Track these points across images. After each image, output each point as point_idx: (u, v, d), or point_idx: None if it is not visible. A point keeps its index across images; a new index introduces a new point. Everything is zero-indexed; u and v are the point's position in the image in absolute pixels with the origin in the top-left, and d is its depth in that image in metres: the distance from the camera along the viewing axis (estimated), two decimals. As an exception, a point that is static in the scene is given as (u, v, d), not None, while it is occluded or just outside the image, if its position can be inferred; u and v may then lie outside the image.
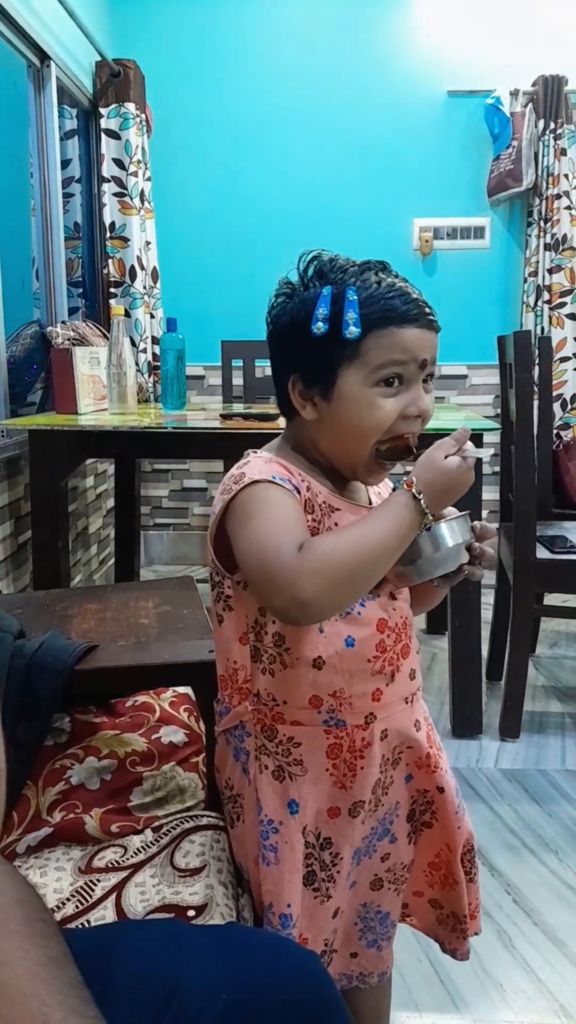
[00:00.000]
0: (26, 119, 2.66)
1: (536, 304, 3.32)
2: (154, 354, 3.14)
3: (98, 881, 0.89)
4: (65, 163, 2.91)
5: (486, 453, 0.83)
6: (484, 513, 2.97)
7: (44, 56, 2.57)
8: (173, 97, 3.31)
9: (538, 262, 3.29)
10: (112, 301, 2.99)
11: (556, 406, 3.29)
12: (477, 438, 1.99)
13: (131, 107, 2.98)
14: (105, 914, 0.84)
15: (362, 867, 0.92)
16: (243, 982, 0.65)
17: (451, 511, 0.83)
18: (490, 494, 3.16)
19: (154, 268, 3.18)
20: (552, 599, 2.57)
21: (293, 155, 3.37)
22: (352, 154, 3.37)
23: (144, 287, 3.07)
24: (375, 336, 0.78)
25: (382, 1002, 1.07)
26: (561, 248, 3.27)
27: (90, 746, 1.07)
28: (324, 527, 0.82)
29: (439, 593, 0.94)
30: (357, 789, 0.86)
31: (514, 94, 3.24)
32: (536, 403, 2.27)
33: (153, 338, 3.14)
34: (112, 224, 3.00)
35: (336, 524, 0.82)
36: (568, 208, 3.26)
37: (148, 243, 3.13)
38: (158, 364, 3.12)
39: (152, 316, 3.15)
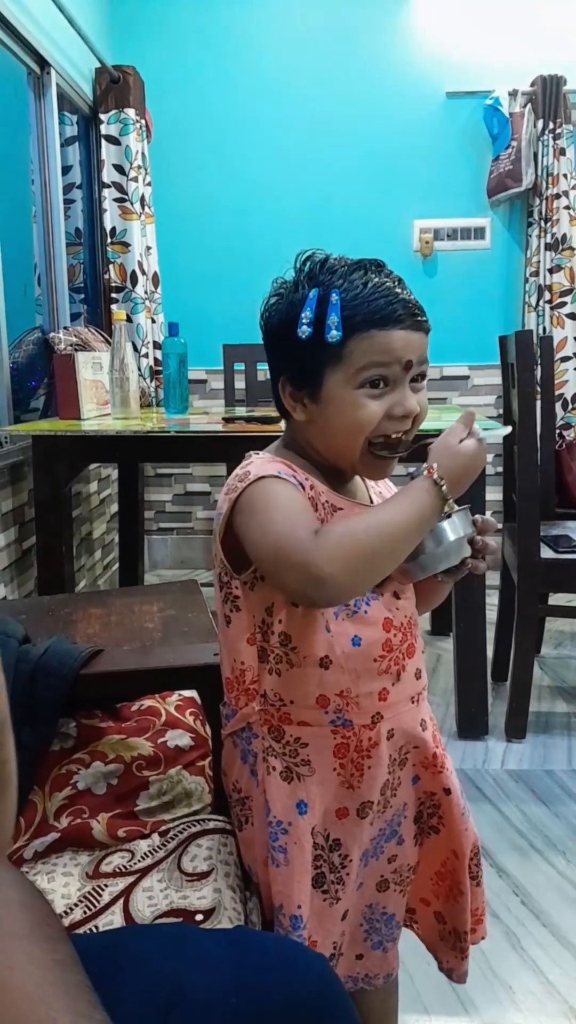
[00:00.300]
0: (27, 126, 2.67)
1: (537, 304, 3.32)
2: (156, 359, 3.15)
3: (106, 886, 0.89)
4: (66, 169, 2.92)
5: (503, 431, 0.83)
6: (488, 513, 2.96)
7: (44, 63, 2.58)
8: (173, 102, 3.32)
9: (539, 262, 3.29)
10: (113, 306, 3.00)
11: (557, 406, 3.28)
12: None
13: (131, 113, 2.99)
14: (113, 919, 0.84)
15: (369, 868, 0.92)
16: (252, 986, 0.65)
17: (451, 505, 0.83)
18: (493, 494, 3.15)
19: (155, 273, 3.18)
20: (556, 599, 2.56)
21: (293, 159, 3.38)
22: (352, 157, 3.38)
23: (145, 292, 3.08)
24: (357, 339, 0.78)
25: (390, 1005, 1.07)
26: (561, 248, 3.27)
27: (96, 751, 1.07)
28: (356, 513, 0.83)
29: (443, 590, 0.94)
30: (365, 789, 0.86)
31: (513, 94, 3.25)
32: (538, 403, 2.26)
33: (155, 343, 3.15)
34: (113, 229, 3.01)
35: (368, 508, 0.84)
36: (567, 208, 3.26)
37: (149, 248, 3.14)
38: (160, 369, 3.13)
39: (153, 321, 3.16)
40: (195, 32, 3.31)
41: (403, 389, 0.81)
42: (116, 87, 2.99)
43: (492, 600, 2.32)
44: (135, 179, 3.00)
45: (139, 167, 3.03)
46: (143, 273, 3.06)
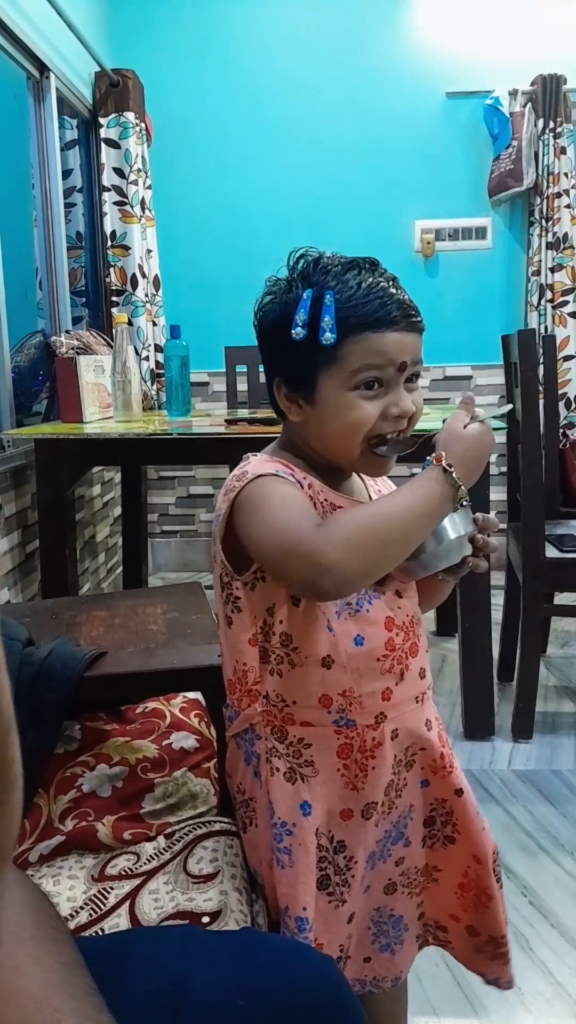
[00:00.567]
0: (27, 130, 2.67)
1: (539, 303, 3.32)
2: (157, 362, 3.15)
3: (111, 889, 0.89)
4: (66, 173, 2.92)
5: (505, 409, 0.81)
6: (492, 513, 2.96)
7: (43, 67, 2.58)
8: (172, 105, 3.33)
9: (540, 261, 3.29)
10: (114, 310, 3.01)
11: (560, 405, 3.28)
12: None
13: (130, 116, 2.99)
14: (119, 922, 0.84)
15: (376, 871, 0.91)
16: (258, 988, 0.64)
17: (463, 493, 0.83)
18: (497, 494, 3.14)
19: (156, 276, 3.19)
20: (562, 598, 2.55)
21: (293, 160, 3.38)
22: (352, 158, 3.38)
23: (146, 295, 3.08)
24: (351, 341, 0.78)
25: (399, 1007, 1.06)
26: (563, 247, 3.27)
27: (101, 753, 1.07)
28: (362, 504, 0.83)
29: (445, 588, 0.94)
30: (369, 790, 0.86)
31: (513, 94, 3.24)
32: (541, 402, 2.26)
33: (156, 346, 3.15)
34: (113, 233, 3.02)
35: (374, 499, 0.84)
36: (568, 207, 3.25)
37: (149, 251, 3.14)
38: (161, 372, 3.13)
39: (154, 324, 3.16)
40: (194, 35, 3.32)
41: (398, 390, 0.80)
42: (115, 91, 2.99)
43: (497, 600, 2.31)
44: (135, 182, 3.01)
45: (139, 170, 3.04)
46: (144, 276, 3.07)
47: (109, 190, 3.00)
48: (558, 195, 3.24)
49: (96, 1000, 0.51)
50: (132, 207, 3.01)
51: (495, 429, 0.83)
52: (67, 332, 2.60)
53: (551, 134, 3.21)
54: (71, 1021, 0.48)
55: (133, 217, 3.01)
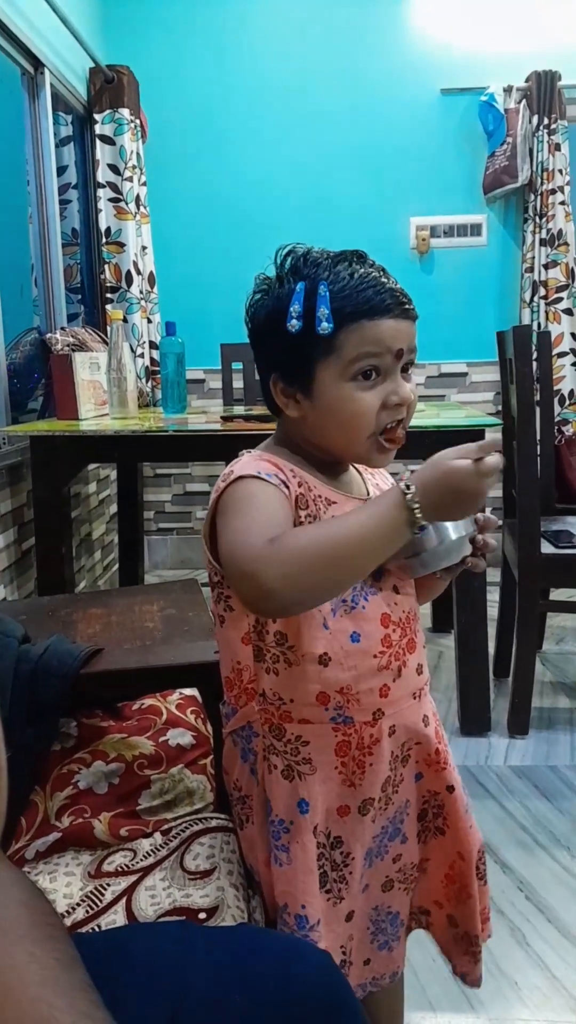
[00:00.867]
0: (21, 127, 2.67)
1: (532, 300, 3.32)
2: (152, 359, 3.14)
3: (108, 885, 0.89)
4: (61, 170, 2.91)
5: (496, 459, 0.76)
6: (488, 510, 2.96)
7: (38, 63, 2.57)
8: (168, 101, 3.32)
9: (534, 258, 3.29)
10: (108, 306, 3.00)
11: (554, 401, 3.28)
12: (479, 435, 1.98)
13: (125, 112, 2.98)
14: (115, 918, 0.84)
15: (374, 870, 0.92)
16: (256, 983, 0.64)
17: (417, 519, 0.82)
18: (493, 491, 3.15)
19: (151, 273, 3.18)
20: (558, 594, 2.55)
21: (288, 157, 3.37)
22: (347, 155, 3.37)
23: (141, 292, 3.07)
24: (348, 330, 0.77)
25: (396, 1002, 1.07)
26: (556, 243, 3.27)
27: (97, 750, 1.07)
28: (321, 520, 0.81)
29: (442, 584, 0.94)
30: (366, 786, 0.86)
31: (507, 91, 3.24)
32: (537, 398, 2.26)
33: (151, 343, 3.14)
34: (108, 229, 3.01)
35: (334, 517, 0.81)
36: (563, 203, 3.25)
37: (144, 248, 3.13)
38: (156, 369, 3.13)
39: (149, 321, 3.15)
40: (189, 31, 3.31)
41: (395, 378, 0.80)
42: (110, 87, 2.98)
43: (493, 596, 2.32)
44: (130, 179, 3.00)
45: (134, 167, 3.03)
46: (138, 273, 3.06)
47: (104, 187, 2.99)
48: (552, 192, 3.23)
49: (93, 996, 0.51)
50: (127, 204, 3.00)
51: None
52: (62, 329, 2.60)
53: (545, 130, 3.21)
54: (67, 1018, 0.48)
55: (128, 214, 3.00)
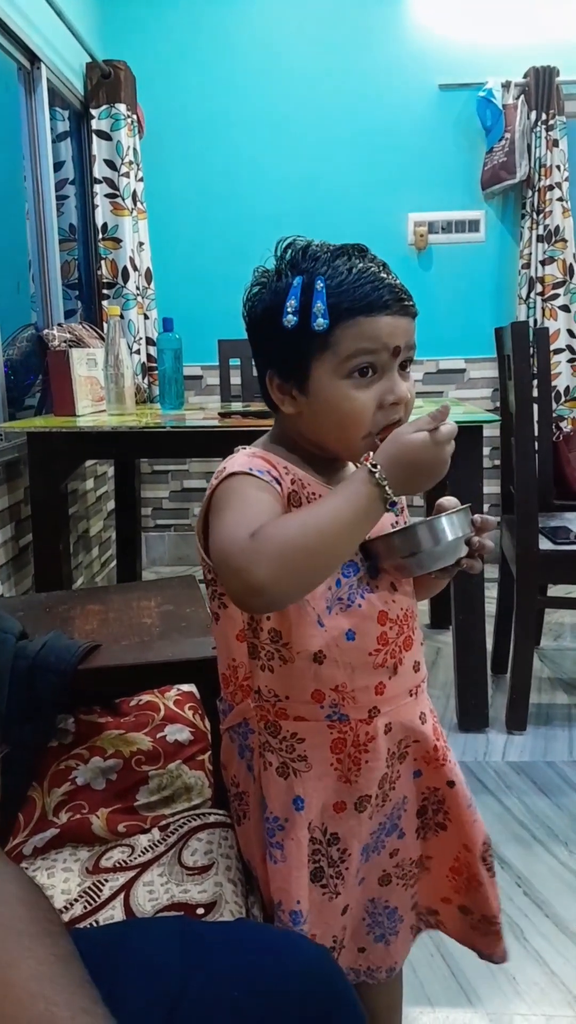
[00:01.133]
0: (18, 122, 2.66)
1: (529, 296, 3.31)
2: (149, 355, 3.14)
3: (106, 881, 0.88)
4: (59, 165, 2.91)
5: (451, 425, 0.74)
6: (486, 507, 2.97)
7: (34, 58, 2.56)
8: (165, 97, 3.31)
9: (531, 254, 3.29)
10: (104, 302, 2.99)
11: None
12: (477, 430, 1.98)
13: (122, 108, 2.97)
14: (114, 914, 0.84)
15: (370, 863, 0.92)
16: (254, 978, 0.64)
17: (453, 503, 0.82)
18: (491, 487, 3.15)
19: (148, 269, 3.17)
20: (555, 591, 2.56)
21: (286, 152, 3.37)
22: (345, 151, 3.37)
23: (137, 288, 3.07)
24: (344, 326, 0.76)
25: (394, 998, 1.07)
26: (554, 240, 3.26)
27: (95, 746, 1.07)
28: (296, 510, 0.80)
29: (440, 583, 0.93)
30: (363, 783, 0.85)
31: (506, 86, 3.24)
32: (534, 395, 2.26)
33: (148, 339, 3.14)
34: (104, 225, 3.00)
35: (308, 504, 0.81)
36: (560, 200, 3.25)
37: (141, 244, 3.12)
38: (153, 365, 3.12)
39: (146, 317, 3.15)
40: (187, 26, 3.29)
41: (392, 375, 0.79)
42: (107, 82, 2.97)
43: (491, 593, 2.32)
44: (127, 174, 2.99)
45: (131, 162, 3.02)
46: (135, 269, 3.05)
47: (100, 182, 2.99)
48: (550, 188, 3.23)
49: (91, 992, 0.51)
50: (123, 199, 2.99)
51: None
52: (59, 325, 2.59)
53: (543, 126, 3.21)
54: (65, 1013, 0.48)
55: (124, 209, 3.00)
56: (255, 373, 0.87)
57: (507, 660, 2.19)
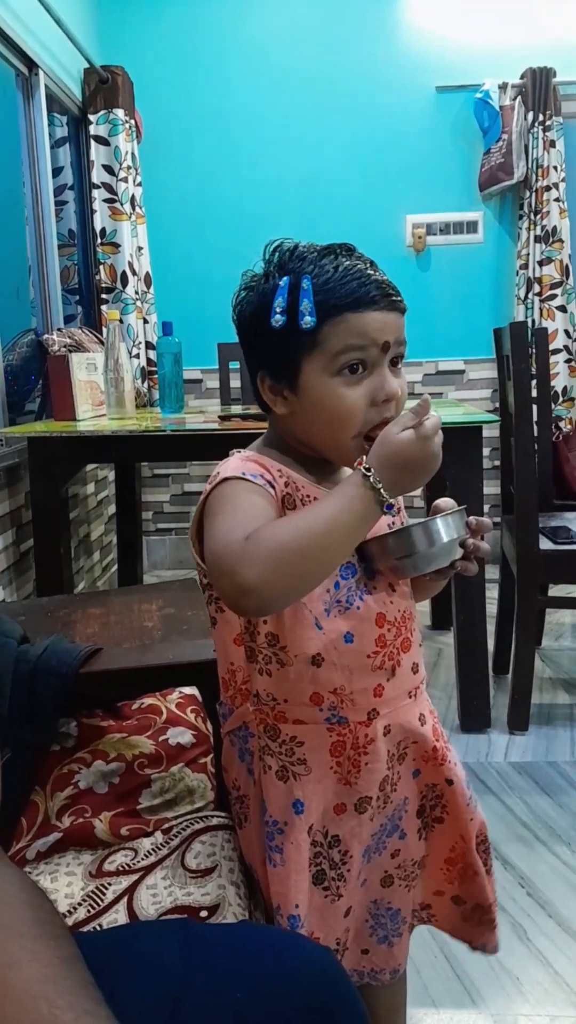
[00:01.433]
0: (16, 128, 2.67)
1: (527, 296, 3.32)
2: (149, 359, 3.14)
3: (109, 885, 0.89)
4: (57, 171, 2.91)
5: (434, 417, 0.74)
6: (486, 508, 2.97)
7: (32, 64, 2.57)
8: (162, 101, 3.32)
9: (528, 255, 3.29)
10: (103, 307, 3.00)
11: (553, 398, 3.28)
12: (477, 431, 1.98)
13: (120, 113, 2.98)
14: (117, 917, 0.84)
15: (372, 864, 0.92)
16: (257, 980, 0.64)
17: (449, 505, 0.82)
18: (491, 488, 3.15)
19: (147, 273, 3.18)
20: (556, 591, 2.56)
21: (284, 155, 3.38)
22: (343, 153, 3.38)
23: (136, 292, 3.07)
24: (331, 323, 0.76)
25: (398, 999, 1.07)
26: (551, 240, 3.27)
27: (97, 750, 1.07)
28: (292, 514, 0.80)
29: (438, 584, 0.93)
30: (362, 785, 0.85)
31: (503, 87, 3.24)
32: (533, 395, 2.26)
33: (147, 343, 3.14)
34: (103, 230, 3.01)
35: (304, 508, 0.81)
36: (557, 200, 3.25)
37: (140, 248, 3.13)
38: (153, 369, 3.12)
39: (146, 321, 3.15)
40: (183, 31, 3.30)
41: (382, 371, 0.78)
42: (105, 87, 2.98)
43: (492, 593, 2.32)
44: (125, 179, 3.00)
45: (129, 167, 3.03)
46: (134, 274, 3.06)
47: (99, 187, 2.99)
48: (547, 188, 3.24)
49: (95, 994, 0.51)
50: (122, 204, 3.00)
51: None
52: (59, 330, 2.60)
53: (540, 127, 3.21)
54: (68, 1015, 0.48)
55: (123, 214, 3.00)
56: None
57: (508, 661, 2.19)
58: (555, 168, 3.24)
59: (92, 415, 2.32)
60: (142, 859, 0.92)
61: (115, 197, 3.00)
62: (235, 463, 0.80)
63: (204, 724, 1.15)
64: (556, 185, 3.24)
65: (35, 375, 2.49)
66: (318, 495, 0.82)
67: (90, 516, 3.07)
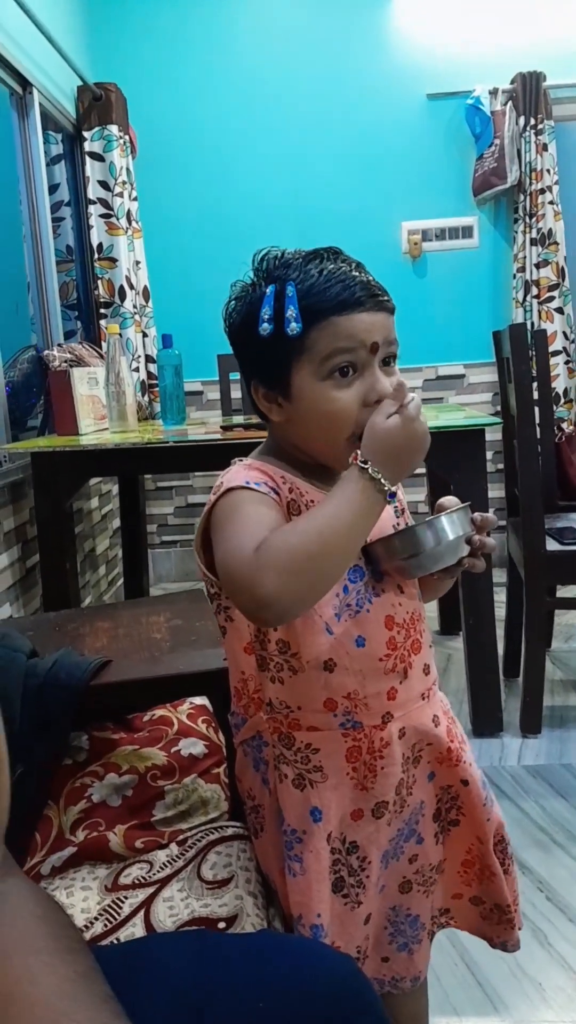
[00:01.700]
0: (12, 146, 2.68)
1: (525, 299, 3.32)
2: (149, 372, 3.15)
3: (125, 898, 0.88)
4: (54, 187, 2.93)
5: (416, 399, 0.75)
6: (491, 511, 2.95)
7: (26, 83, 2.59)
8: (156, 116, 3.34)
9: (525, 258, 3.30)
10: (102, 322, 3.00)
11: (554, 400, 3.27)
12: (479, 434, 1.97)
13: (114, 129, 3.00)
14: (134, 931, 0.83)
15: (390, 870, 0.91)
16: (279, 990, 0.64)
17: (453, 503, 0.82)
18: (496, 491, 3.14)
19: (145, 287, 3.19)
20: (565, 592, 2.55)
21: (278, 166, 3.39)
22: (337, 162, 3.39)
23: (135, 306, 3.08)
24: (318, 328, 0.76)
25: (419, 1007, 1.05)
26: (547, 243, 3.28)
27: (109, 762, 1.06)
28: (298, 517, 0.80)
29: (445, 583, 0.93)
30: (379, 789, 0.85)
31: (493, 93, 3.26)
32: (535, 397, 2.26)
33: (147, 356, 3.15)
34: (100, 245, 3.02)
35: (308, 511, 0.80)
36: (552, 203, 3.27)
37: (138, 263, 3.14)
38: (153, 382, 3.13)
39: (145, 335, 3.16)
40: (175, 46, 3.33)
41: (373, 372, 0.78)
42: (99, 104, 3.00)
43: (500, 596, 2.31)
44: (120, 195, 3.01)
45: (124, 182, 3.04)
46: (131, 288, 3.07)
47: (95, 203, 3.01)
48: (541, 191, 3.25)
49: (114, 1007, 0.50)
50: (118, 219, 3.01)
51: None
52: (59, 345, 2.60)
53: (532, 131, 3.23)
54: None
55: (119, 229, 3.02)
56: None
57: (519, 663, 2.18)
58: (548, 171, 3.25)
59: (94, 429, 2.33)
60: (158, 871, 0.92)
61: (111, 212, 3.01)
62: (237, 472, 0.80)
63: (216, 734, 1.15)
64: (550, 188, 3.26)
65: (36, 391, 2.49)
66: (321, 499, 0.82)
67: (95, 530, 3.07)
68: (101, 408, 2.38)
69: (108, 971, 0.54)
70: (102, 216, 3.01)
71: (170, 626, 1.45)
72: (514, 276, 3.36)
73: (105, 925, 0.84)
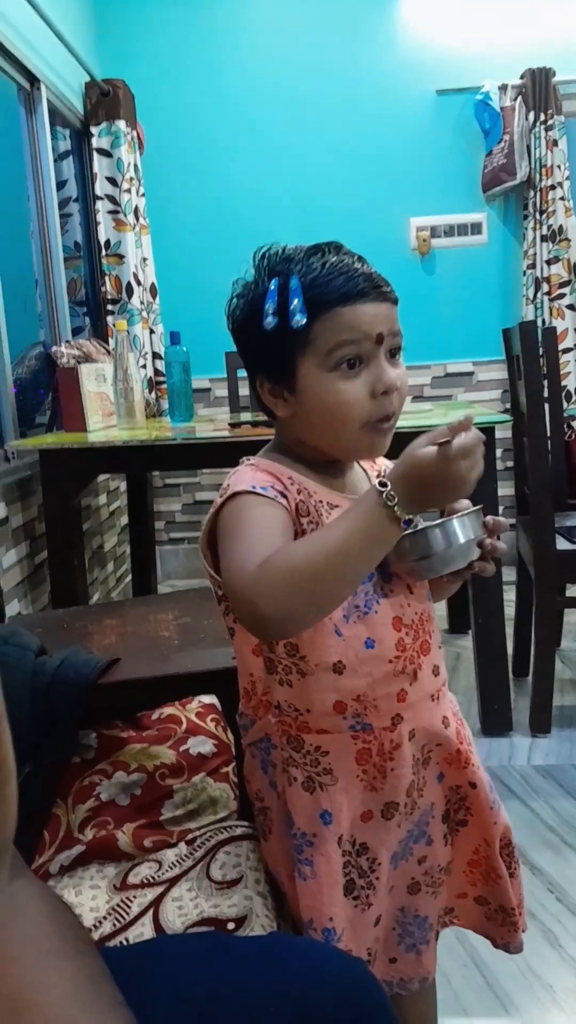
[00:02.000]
0: (20, 142, 2.68)
1: (535, 296, 3.30)
2: (156, 369, 3.14)
3: (134, 898, 0.87)
4: (62, 184, 2.93)
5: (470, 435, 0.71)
6: (500, 509, 2.95)
7: (34, 79, 2.58)
8: (164, 113, 3.33)
9: (535, 254, 3.28)
10: (109, 318, 3.00)
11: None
12: (489, 431, 1.96)
13: (122, 125, 2.99)
14: (143, 931, 0.82)
15: (399, 871, 0.90)
16: (290, 992, 0.63)
17: (465, 505, 0.81)
18: (505, 489, 3.13)
19: (152, 284, 3.18)
20: (574, 591, 2.53)
21: (286, 163, 3.38)
22: (346, 158, 3.38)
23: (142, 303, 3.08)
24: (322, 320, 0.76)
25: (428, 1009, 1.05)
26: (558, 239, 3.26)
27: (118, 761, 1.05)
28: (308, 535, 0.79)
29: (454, 584, 0.92)
30: (389, 790, 0.84)
31: (503, 88, 3.24)
32: (544, 394, 2.24)
33: (154, 353, 3.14)
34: (107, 242, 3.02)
35: (320, 528, 0.79)
36: (562, 199, 3.24)
37: (145, 259, 3.13)
38: (161, 379, 3.13)
39: (152, 332, 3.15)
40: (183, 42, 3.32)
41: (379, 363, 0.77)
42: (106, 100, 2.99)
43: (509, 596, 2.30)
44: (128, 191, 3.01)
45: (131, 179, 3.03)
46: (139, 284, 3.06)
47: (102, 199, 3.00)
48: (552, 187, 3.23)
49: (123, 1011, 0.50)
50: (125, 215, 3.01)
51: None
52: (67, 342, 2.60)
53: (542, 127, 3.21)
54: None
55: (127, 225, 3.01)
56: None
57: (528, 663, 2.17)
58: (559, 167, 3.23)
59: (102, 426, 2.32)
60: (167, 871, 0.91)
61: (118, 208, 3.00)
62: (245, 474, 0.79)
63: (225, 733, 1.14)
64: (560, 184, 3.23)
65: (44, 388, 2.49)
66: (331, 499, 0.81)
67: (103, 527, 3.07)
68: (109, 405, 2.38)
69: (118, 973, 0.53)
70: (110, 212, 3.01)
71: (178, 624, 1.44)
72: (524, 273, 3.34)
73: (114, 924, 0.83)
